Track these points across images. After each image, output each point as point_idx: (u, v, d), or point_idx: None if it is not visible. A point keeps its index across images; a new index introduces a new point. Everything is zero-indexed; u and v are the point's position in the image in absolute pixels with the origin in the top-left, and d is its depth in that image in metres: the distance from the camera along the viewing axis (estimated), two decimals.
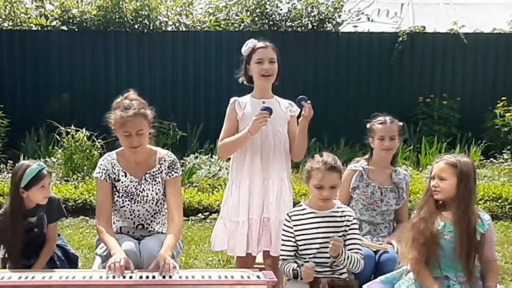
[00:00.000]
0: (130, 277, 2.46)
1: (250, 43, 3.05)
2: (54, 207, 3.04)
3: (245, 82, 3.14)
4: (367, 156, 3.34)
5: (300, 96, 3.00)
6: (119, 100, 2.85)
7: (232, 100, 3.10)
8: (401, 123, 3.27)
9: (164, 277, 2.47)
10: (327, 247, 2.72)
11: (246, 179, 3.02)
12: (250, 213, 3.01)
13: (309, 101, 2.94)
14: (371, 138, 3.24)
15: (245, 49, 3.06)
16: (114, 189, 2.91)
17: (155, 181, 2.92)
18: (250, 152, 3.00)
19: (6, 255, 2.94)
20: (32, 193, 2.89)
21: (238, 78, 3.16)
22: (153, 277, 2.47)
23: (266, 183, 3.02)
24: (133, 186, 2.90)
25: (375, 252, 2.97)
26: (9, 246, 2.91)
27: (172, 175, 2.93)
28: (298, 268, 2.66)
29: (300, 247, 2.77)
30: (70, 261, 3.13)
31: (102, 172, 2.88)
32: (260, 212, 3.01)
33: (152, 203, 2.94)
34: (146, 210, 2.95)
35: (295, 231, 2.78)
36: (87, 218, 5.41)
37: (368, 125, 3.28)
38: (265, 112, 2.86)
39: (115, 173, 2.90)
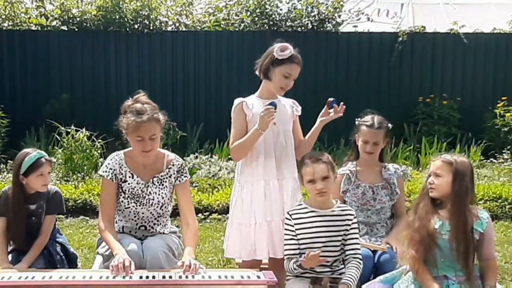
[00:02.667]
0: (130, 277, 2.46)
1: (289, 51, 2.92)
2: (56, 200, 3.10)
3: (260, 76, 3.04)
4: (352, 156, 3.32)
5: (333, 99, 3.03)
6: (130, 103, 2.79)
7: (237, 101, 3.02)
8: (390, 125, 3.22)
9: (164, 277, 2.47)
10: (328, 246, 2.73)
11: (260, 181, 2.96)
12: (268, 215, 2.94)
13: (342, 103, 2.98)
14: (357, 135, 3.23)
15: (282, 54, 2.90)
16: (120, 190, 2.88)
17: (163, 185, 2.90)
18: (263, 153, 2.95)
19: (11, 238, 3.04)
20: (30, 180, 2.96)
21: (255, 70, 3.05)
22: (153, 277, 2.48)
23: (281, 184, 2.98)
24: (140, 188, 2.88)
25: (374, 252, 2.97)
26: (13, 227, 2.99)
27: (182, 179, 2.91)
28: (300, 260, 2.67)
29: (301, 246, 2.77)
30: (70, 260, 3.15)
31: (109, 172, 2.85)
32: (281, 213, 2.95)
33: (157, 207, 2.92)
34: (151, 213, 2.93)
35: (297, 229, 2.78)
36: (87, 218, 5.41)
37: (356, 121, 3.25)
38: (270, 107, 2.83)
39: (122, 174, 2.87)
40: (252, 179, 2.98)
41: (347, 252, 2.75)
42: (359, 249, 2.77)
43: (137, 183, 2.88)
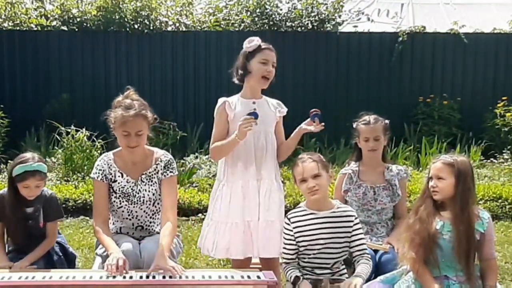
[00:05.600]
0: (131, 277, 2.45)
1: (256, 40, 2.98)
2: (53, 206, 3.07)
3: (236, 80, 3.07)
4: (353, 157, 3.34)
5: (316, 112, 3.00)
6: (120, 98, 2.84)
7: (221, 100, 3.04)
8: (386, 121, 3.25)
9: (164, 277, 2.47)
10: (329, 248, 2.73)
11: (239, 181, 2.98)
12: (247, 215, 2.96)
13: (322, 124, 2.98)
14: (357, 138, 3.24)
15: (250, 45, 2.97)
16: (111, 190, 2.90)
17: (152, 181, 2.91)
18: (244, 153, 2.97)
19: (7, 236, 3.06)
20: (19, 187, 2.95)
21: (232, 75, 3.07)
22: (153, 277, 2.47)
23: (259, 184, 2.99)
24: (130, 186, 2.89)
25: (375, 251, 2.97)
26: (10, 231, 3.02)
27: (168, 174, 2.91)
28: (300, 277, 2.66)
29: (301, 248, 2.76)
30: (68, 260, 3.14)
31: (98, 173, 2.87)
32: (257, 214, 2.97)
33: (150, 204, 2.92)
34: (144, 211, 2.93)
35: (296, 233, 2.76)
36: (87, 218, 5.40)
37: (354, 125, 3.27)
38: (250, 117, 2.83)
39: (111, 174, 2.88)
40: (232, 178, 3.00)
41: (354, 254, 2.75)
42: (366, 248, 2.77)
43: (127, 182, 2.89)
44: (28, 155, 2.99)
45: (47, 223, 3.04)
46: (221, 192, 3.03)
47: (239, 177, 2.98)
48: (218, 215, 3.02)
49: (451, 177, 2.56)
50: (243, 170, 2.98)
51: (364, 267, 2.68)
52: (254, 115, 2.85)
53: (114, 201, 2.91)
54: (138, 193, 2.89)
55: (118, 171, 2.89)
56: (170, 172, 2.91)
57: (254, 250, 2.98)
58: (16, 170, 2.91)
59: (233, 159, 3.00)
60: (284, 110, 3.15)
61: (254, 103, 3.02)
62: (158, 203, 2.96)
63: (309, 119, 3.03)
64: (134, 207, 2.91)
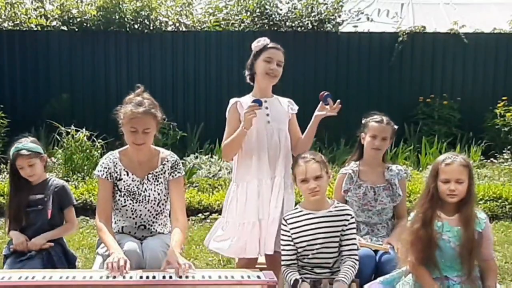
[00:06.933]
0: (131, 277, 2.45)
1: (263, 40, 3.01)
2: (66, 193, 3.21)
3: (247, 80, 3.10)
4: (355, 156, 3.33)
5: (327, 93, 3.00)
6: (132, 96, 2.87)
7: (232, 101, 3.06)
8: (396, 126, 3.25)
9: (164, 277, 2.47)
10: (327, 248, 2.73)
11: (254, 180, 2.98)
12: (261, 214, 2.96)
13: (339, 101, 2.96)
14: (363, 133, 3.23)
15: (256, 45, 3.01)
16: (116, 188, 2.90)
17: (158, 181, 2.91)
18: (257, 152, 2.97)
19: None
20: (19, 171, 3.10)
21: (244, 75, 3.11)
22: (153, 277, 2.47)
23: (273, 183, 2.99)
24: (135, 185, 2.89)
25: (375, 252, 2.96)
26: (10, 208, 3.14)
27: (175, 175, 2.92)
28: (299, 280, 2.66)
29: (299, 250, 2.77)
30: (69, 261, 3.15)
31: (103, 171, 2.87)
32: (269, 212, 2.98)
33: (154, 204, 2.93)
34: (148, 210, 2.94)
35: (293, 234, 2.77)
36: (87, 218, 5.40)
37: (363, 121, 3.26)
38: (254, 104, 2.84)
39: (117, 172, 2.88)
40: (247, 177, 3.00)
41: (343, 253, 2.75)
42: (355, 249, 2.76)
43: (132, 180, 2.89)
44: (22, 139, 3.14)
45: (64, 210, 3.15)
46: (236, 192, 3.03)
47: (254, 176, 2.98)
48: (235, 216, 3.01)
49: (467, 178, 2.56)
50: (258, 169, 2.97)
51: (347, 270, 2.66)
52: (258, 102, 2.85)
53: (119, 200, 2.91)
54: (143, 192, 2.89)
55: (124, 169, 2.89)
56: (178, 172, 2.93)
57: (263, 247, 2.98)
58: (11, 153, 3.09)
59: (247, 158, 2.99)
60: (296, 107, 3.16)
61: (265, 101, 3.03)
62: (162, 204, 2.96)
63: (320, 104, 3.02)
64: (138, 206, 2.91)
